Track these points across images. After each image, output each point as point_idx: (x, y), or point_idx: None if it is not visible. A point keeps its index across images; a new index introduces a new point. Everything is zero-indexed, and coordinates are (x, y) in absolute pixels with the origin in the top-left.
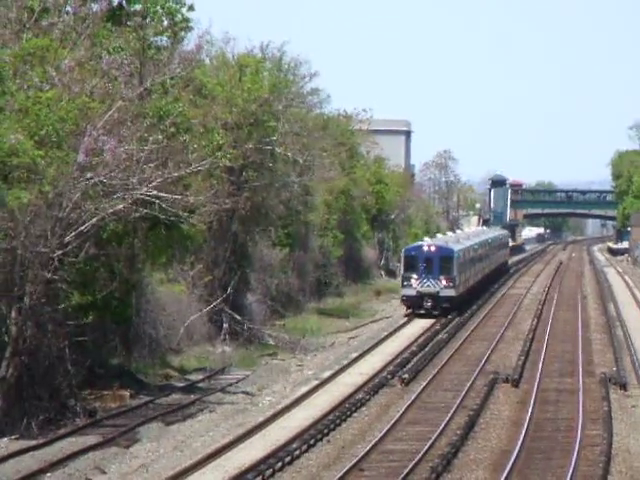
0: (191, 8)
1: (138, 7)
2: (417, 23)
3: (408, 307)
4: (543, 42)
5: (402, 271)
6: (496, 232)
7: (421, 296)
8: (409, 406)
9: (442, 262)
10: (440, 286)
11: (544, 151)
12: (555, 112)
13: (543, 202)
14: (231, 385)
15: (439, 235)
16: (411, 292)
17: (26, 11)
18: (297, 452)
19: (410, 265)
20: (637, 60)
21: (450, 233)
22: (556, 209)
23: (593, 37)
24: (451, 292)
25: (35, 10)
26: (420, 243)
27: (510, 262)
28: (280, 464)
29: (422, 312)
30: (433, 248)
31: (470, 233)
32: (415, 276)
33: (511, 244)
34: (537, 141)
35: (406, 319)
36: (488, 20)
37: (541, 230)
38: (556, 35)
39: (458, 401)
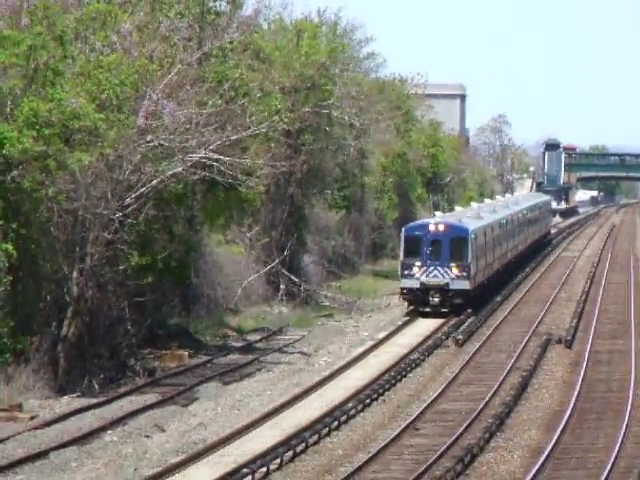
0: None
1: None
2: None
3: (410, 303)
4: (597, 7)
5: (402, 256)
6: (534, 199)
7: (426, 289)
8: (463, 367)
9: (453, 245)
10: (450, 276)
11: (598, 115)
12: (609, 76)
13: (597, 165)
14: (288, 345)
15: (458, 208)
16: (413, 284)
17: None
18: (352, 411)
19: (412, 249)
20: None
21: (474, 204)
22: (609, 172)
23: None
24: (464, 284)
25: None
26: (425, 221)
27: (563, 225)
28: (336, 423)
29: (427, 310)
30: (442, 227)
31: (498, 204)
32: (418, 263)
33: (564, 207)
34: (591, 105)
35: None
36: None
37: (594, 193)
38: None
39: (511, 362)
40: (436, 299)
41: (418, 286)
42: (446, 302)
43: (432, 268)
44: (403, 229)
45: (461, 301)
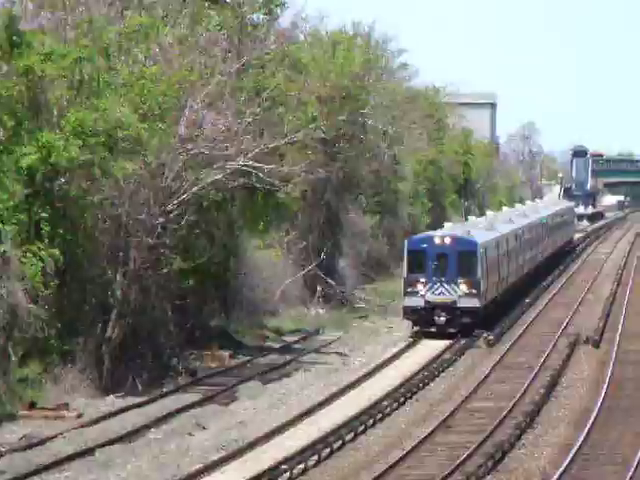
0: None
1: None
2: (500, 4)
3: (414, 323)
4: (625, 12)
5: (404, 272)
6: (556, 206)
7: (431, 308)
8: (494, 366)
9: (461, 259)
10: (458, 293)
11: (625, 122)
12: (636, 84)
13: (624, 171)
14: (324, 346)
15: (473, 218)
16: (417, 302)
17: None
18: (387, 409)
19: (416, 264)
20: None
21: (491, 213)
22: (636, 178)
23: None
24: (474, 302)
25: None
26: (430, 233)
27: (590, 229)
28: (372, 421)
29: (432, 330)
30: (448, 240)
31: (516, 212)
32: (423, 279)
33: (591, 211)
34: (618, 113)
35: None
36: None
37: (621, 198)
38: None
39: (541, 361)
40: (442, 318)
41: (423, 304)
42: (453, 322)
43: (438, 284)
44: (406, 242)
45: (470, 320)
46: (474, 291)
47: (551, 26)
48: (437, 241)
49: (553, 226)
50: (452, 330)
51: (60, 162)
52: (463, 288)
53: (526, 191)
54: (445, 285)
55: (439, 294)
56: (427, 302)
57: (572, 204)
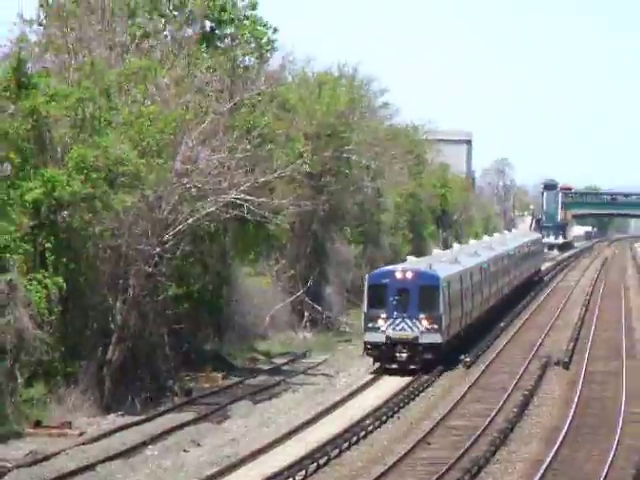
0: (275, 31)
1: (228, 31)
2: (476, 50)
3: (375, 359)
4: (590, 58)
5: (365, 307)
6: (523, 238)
7: (393, 344)
8: (470, 387)
9: (423, 294)
10: (420, 329)
11: (591, 158)
12: (600, 124)
13: (590, 204)
14: (311, 368)
15: (436, 251)
16: (378, 338)
17: (129, 35)
18: (370, 427)
19: (377, 299)
20: None
21: (457, 246)
22: (602, 210)
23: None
24: (435, 338)
25: (137, 35)
26: (391, 268)
27: (560, 258)
28: (355, 438)
29: (394, 367)
30: (410, 274)
31: (483, 245)
32: (384, 315)
33: (561, 241)
34: (585, 150)
35: None
36: (535, 45)
37: (589, 228)
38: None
39: (514, 382)
40: (404, 355)
41: (384, 340)
42: (415, 358)
43: (399, 320)
44: (367, 276)
45: (432, 356)
46: (436, 326)
47: (524, 70)
48: (398, 276)
49: (520, 257)
50: (414, 367)
51: (63, 196)
52: (425, 324)
53: (500, 222)
54: (406, 321)
55: (400, 330)
56: (388, 338)
57: (539, 235)
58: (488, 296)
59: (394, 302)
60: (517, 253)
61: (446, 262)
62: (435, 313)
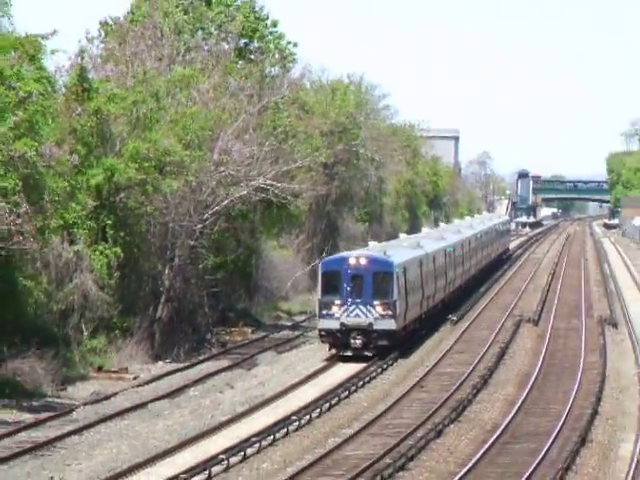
0: (295, 45)
1: (257, 45)
2: (464, 60)
3: (330, 346)
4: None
5: (319, 294)
6: (491, 221)
7: (347, 330)
8: (456, 340)
9: (376, 280)
10: (374, 316)
11: (558, 150)
12: (566, 120)
13: (556, 189)
14: None
15: (403, 235)
16: (332, 324)
17: (175, 49)
18: (374, 374)
19: (331, 286)
20: (622, 75)
21: (426, 230)
22: (566, 194)
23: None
24: (390, 324)
25: (182, 49)
26: (345, 254)
27: (532, 234)
28: (361, 383)
29: (348, 354)
30: (363, 261)
31: (450, 228)
32: (338, 301)
33: (533, 220)
34: (553, 143)
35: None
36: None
37: (555, 210)
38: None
39: (493, 336)
40: (358, 341)
41: (338, 327)
42: (370, 344)
43: (353, 307)
44: (320, 264)
45: (387, 343)
46: (390, 313)
47: (505, 76)
48: (352, 262)
49: (488, 239)
50: (368, 353)
51: (121, 181)
52: (379, 310)
53: (482, 204)
54: (360, 307)
55: (354, 316)
56: (342, 325)
57: (508, 218)
58: (454, 278)
59: (348, 289)
60: (484, 236)
61: (407, 247)
62: (389, 299)
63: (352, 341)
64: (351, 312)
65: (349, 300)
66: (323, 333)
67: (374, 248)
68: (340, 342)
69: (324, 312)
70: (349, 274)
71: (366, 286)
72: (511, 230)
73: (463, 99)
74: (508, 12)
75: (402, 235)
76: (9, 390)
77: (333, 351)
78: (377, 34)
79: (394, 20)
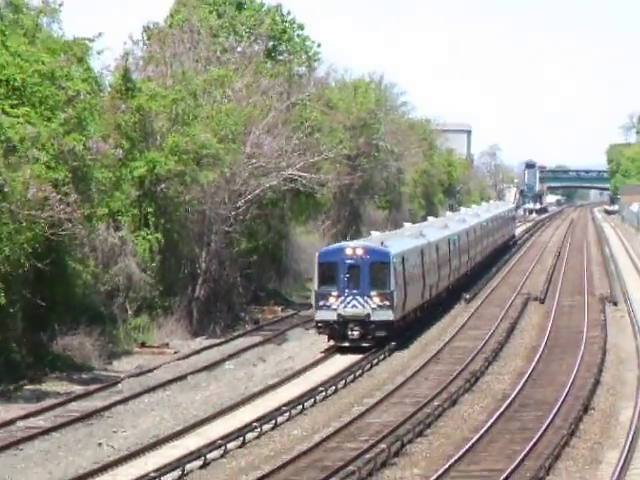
0: (319, 45)
1: (285, 47)
2: (476, 57)
3: (328, 337)
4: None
5: (316, 285)
6: (497, 209)
7: (344, 322)
8: (470, 317)
9: (373, 271)
10: (371, 306)
11: (562, 142)
12: (570, 114)
13: (560, 178)
14: None
15: (407, 225)
16: (330, 316)
17: (211, 51)
18: (394, 348)
19: (327, 277)
20: (621, 70)
21: (431, 219)
22: (569, 183)
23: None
24: (387, 315)
25: (217, 50)
26: (343, 244)
27: (539, 219)
28: (382, 356)
29: (346, 345)
30: (360, 251)
31: (457, 217)
32: (335, 292)
33: (539, 207)
34: (557, 136)
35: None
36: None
37: (559, 197)
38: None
39: (503, 313)
40: (356, 332)
41: (335, 318)
42: (367, 335)
43: (350, 298)
44: (317, 255)
45: (385, 333)
46: (387, 303)
47: (512, 73)
48: (349, 252)
49: (493, 228)
50: (366, 344)
51: (161, 172)
52: (376, 301)
53: (492, 192)
54: (358, 298)
55: (352, 307)
56: (340, 316)
57: (513, 205)
58: (459, 265)
59: (345, 279)
60: (490, 223)
61: (409, 237)
62: (386, 290)
63: (349, 332)
64: (348, 303)
65: (346, 291)
66: (320, 324)
67: (376, 238)
68: (337, 333)
69: (321, 303)
70: (346, 265)
71: (363, 277)
72: (517, 217)
73: (475, 96)
74: (508, 12)
75: (407, 224)
76: (61, 364)
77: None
78: (395, 36)
79: (414, 23)
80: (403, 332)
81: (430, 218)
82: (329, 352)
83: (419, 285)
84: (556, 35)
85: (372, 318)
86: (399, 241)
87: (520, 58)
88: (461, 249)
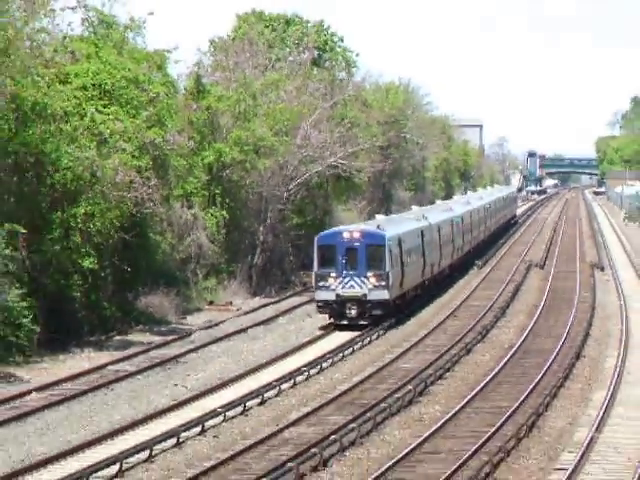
0: (357, 55)
1: (328, 56)
2: (490, 58)
3: (329, 315)
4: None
5: (315, 267)
6: (500, 192)
7: (342, 301)
8: (481, 280)
9: (370, 253)
10: (368, 287)
11: (558, 134)
12: (565, 111)
13: (557, 165)
14: None
15: (415, 208)
16: (329, 295)
17: (267, 60)
18: (416, 309)
19: (326, 259)
20: (607, 63)
21: (439, 202)
22: (564, 169)
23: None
24: (383, 294)
25: (272, 59)
26: (341, 228)
27: (540, 199)
28: (407, 314)
29: (344, 323)
30: (357, 234)
31: (462, 200)
32: (333, 274)
33: (539, 189)
34: (555, 129)
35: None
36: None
37: (556, 181)
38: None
39: (509, 277)
40: (353, 311)
41: (334, 298)
42: (364, 314)
43: (348, 279)
44: (316, 238)
45: (381, 312)
46: (383, 283)
47: (519, 73)
48: (346, 236)
49: (495, 209)
50: (363, 322)
51: (226, 160)
52: (372, 281)
53: (500, 177)
54: (355, 279)
55: (349, 288)
56: (338, 296)
57: (515, 189)
58: (462, 245)
59: (343, 261)
60: (492, 205)
61: (410, 220)
62: (382, 271)
63: (347, 311)
64: (346, 284)
65: (344, 272)
66: (320, 304)
67: (377, 221)
68: (336, 312)
69: (320, 284)
70: (344, 247)
71: (360, 259)
72: (520, 197)
73: (485, 95)
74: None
75: (414, 207)
76: (143, 319)
77: None
78: (421, 45)
79: (435, 29)
80: (401, 310)
81: (438, 201)
82: None
83: (418, 265)
84: (556, 36)
85: (369, 298)
86: (397, 224)
87: (521, 60)
88: (464, 230)
